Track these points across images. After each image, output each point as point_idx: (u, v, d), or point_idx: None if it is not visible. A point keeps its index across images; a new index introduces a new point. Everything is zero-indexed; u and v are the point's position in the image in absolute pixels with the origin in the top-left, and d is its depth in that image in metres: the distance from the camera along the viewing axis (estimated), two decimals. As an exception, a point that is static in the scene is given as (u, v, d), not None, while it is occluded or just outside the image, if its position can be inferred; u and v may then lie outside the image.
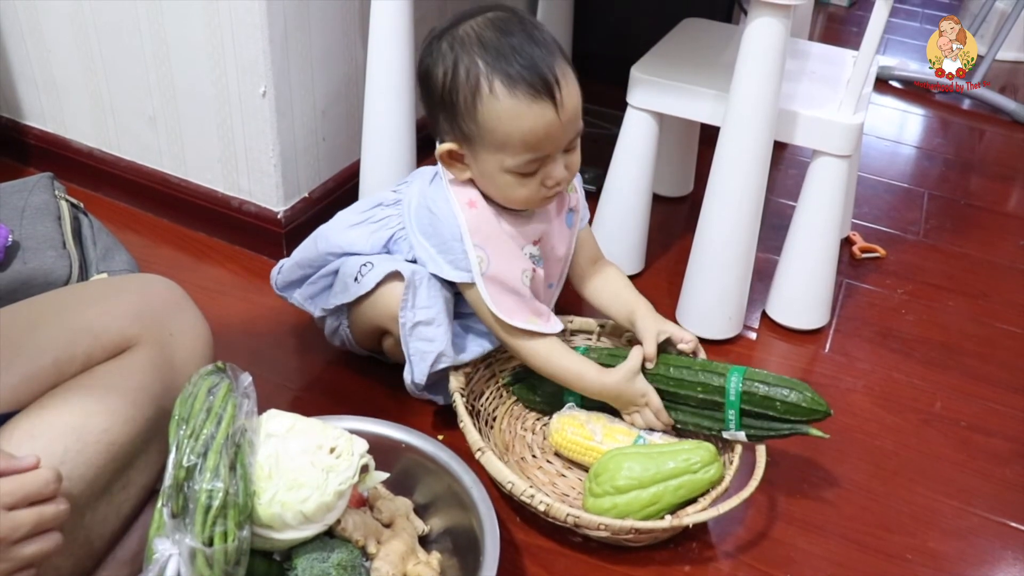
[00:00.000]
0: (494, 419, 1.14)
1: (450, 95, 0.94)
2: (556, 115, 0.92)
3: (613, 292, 1.16)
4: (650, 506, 0.95)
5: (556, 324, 1.06)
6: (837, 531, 1.04)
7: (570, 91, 0.94)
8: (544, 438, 1.13)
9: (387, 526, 0.89)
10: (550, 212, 1.08)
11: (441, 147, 0.99)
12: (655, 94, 1.30)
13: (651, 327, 1.07)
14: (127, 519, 0.82)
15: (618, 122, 1.38)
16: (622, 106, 1.35)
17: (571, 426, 1.07)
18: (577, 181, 1.14)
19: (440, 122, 0.99)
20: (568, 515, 0.92)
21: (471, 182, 1.02)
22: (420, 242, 1.05)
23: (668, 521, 0.93)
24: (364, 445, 0.84)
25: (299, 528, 0.79)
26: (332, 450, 0.81)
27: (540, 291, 1.09)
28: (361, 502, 0.89)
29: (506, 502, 1.03)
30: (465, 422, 1.00)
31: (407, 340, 1.04)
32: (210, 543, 0.72)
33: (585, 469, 1.08)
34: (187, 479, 0.74)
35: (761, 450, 1.00)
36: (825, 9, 2.96)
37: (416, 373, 1.05)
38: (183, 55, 1.31)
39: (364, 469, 0.85)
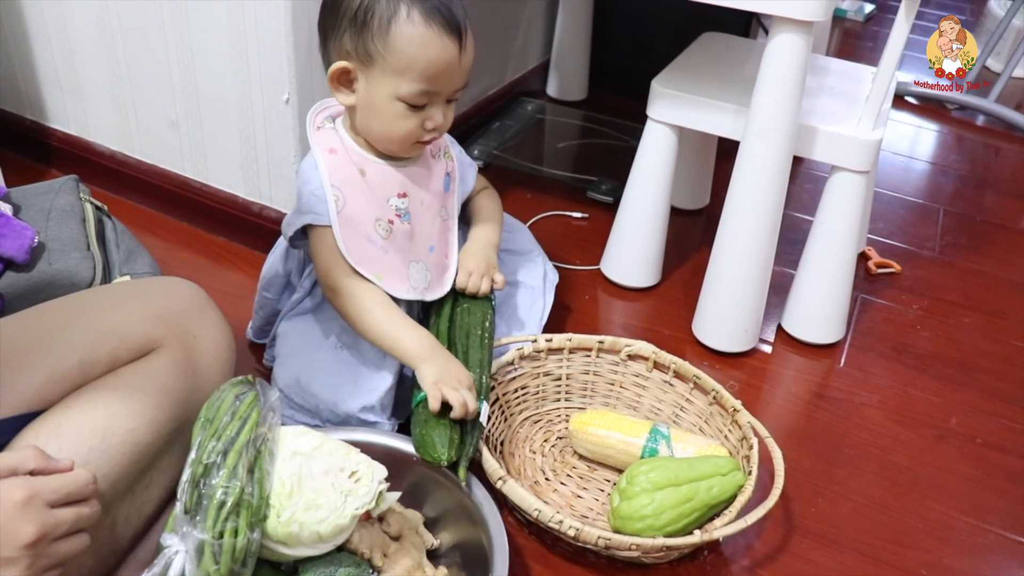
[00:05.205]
0: (501, 443, 1.12)
1: (365, 13, 0.96)
2: (458, 55, 0.98)
3: (473, 216, 1.21)
4: (686, 502, 0.95)
5: (401, 290, 1.07)
6: (852, 545, 1.04)
7: (470, 44, 1.00)
8: (554, 460, 1.12)
9: (396, 539, 0.90)
10: (420, 168, 1.09)
11: (335, 66, 0.99)
12: (675, 107, 1.31)
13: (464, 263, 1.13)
14: (149, 519, 0.83)
15: (636, 134, 1.38)
16: (640, 118, 1.35)
17: (592, 422, 1.10)
18: (457, 151, 1.17)
19: (343, 40, 0.98)
20: (599, 538, 0.92)
21: (334, 133, 1.06)
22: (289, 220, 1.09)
23: (698, 536, 0.92)
24: (383, 472, 0.85)
25: (312, 547, 0.80)
26: (353, 474, 0.82)
27: (408, 248, 1.08)
28: (369, 515, 0.89)
29: (514, 515, 1.03)
30: (483, 451, 0.98)
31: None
32: (220, 538, 0.73)
33: (603, 482, 1.08)
34: (204, 476, 0.75)
35: (779, 462, 1.01)
36: (841, 24, 2.97)
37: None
38: (207, 60, 1.33)
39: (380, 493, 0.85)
